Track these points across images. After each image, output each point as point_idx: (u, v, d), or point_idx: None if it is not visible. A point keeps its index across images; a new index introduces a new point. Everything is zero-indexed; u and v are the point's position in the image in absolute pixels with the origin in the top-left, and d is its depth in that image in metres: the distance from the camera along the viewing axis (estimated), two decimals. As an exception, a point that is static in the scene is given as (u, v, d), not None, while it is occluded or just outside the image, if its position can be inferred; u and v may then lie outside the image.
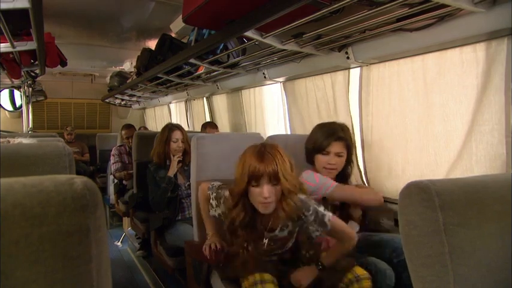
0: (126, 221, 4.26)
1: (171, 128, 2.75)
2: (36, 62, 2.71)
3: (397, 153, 2.05)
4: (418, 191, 0.88)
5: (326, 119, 2.51)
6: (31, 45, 2.10)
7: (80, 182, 0.61)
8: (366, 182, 2.29)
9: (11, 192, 0.56)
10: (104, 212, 0.65)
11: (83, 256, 0.57)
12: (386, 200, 2.14)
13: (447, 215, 0.84)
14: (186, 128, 3.46)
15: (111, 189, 4.46)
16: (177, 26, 2.95)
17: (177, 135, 2.72)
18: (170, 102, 5.45)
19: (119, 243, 4.25)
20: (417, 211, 0.87)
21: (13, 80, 3.71)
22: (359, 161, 2.31)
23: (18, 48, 2.12)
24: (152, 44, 3.55)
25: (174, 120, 5.46)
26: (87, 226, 0.60)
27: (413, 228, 0.87)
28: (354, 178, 2.36)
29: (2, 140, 1.95)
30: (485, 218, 0.84)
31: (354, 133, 2.30)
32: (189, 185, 2.59)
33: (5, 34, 1.84)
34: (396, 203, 2.07)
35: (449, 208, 0.85)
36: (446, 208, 0.85)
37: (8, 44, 2.03)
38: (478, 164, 1.62)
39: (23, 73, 3.27)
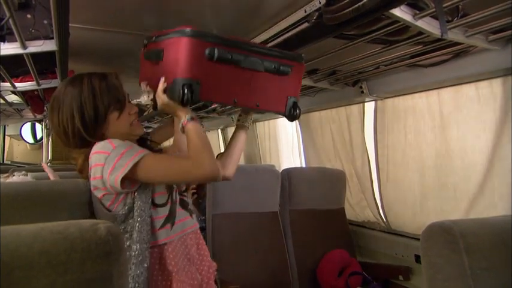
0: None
1: None
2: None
3: (415, 187, 2.01)
4: (441, 232, 0.84)
5: (341, 151, 2.50)
6: (55, 83, 2.19)
7: (104, 227, 0.62)
8: (383, 217, 2.23)
9: (38, 239, 0.57)
10: (126, 257, 0.66)
11: (106, 305, 0.57)
12: (406, 236, 2.09)
13: (473, 258, 0.81)
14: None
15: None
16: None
17: None
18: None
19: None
20: (441, 253, 0.83)
21: (35, 114, 3.85)
22: (376, 195, 2.27)
23: (43, 86, 2.21)
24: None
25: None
26: (110, 273, 0.60)
27: (438, 271, 0.84)
28: (371, 213, 2.31)
29: (17, 173, 1.99)
30: (514, 264, 0.80)
31: (370, 166, 2.27)
32: (204, 220, 2.57)
33: (32, 74, 1.93)
34: (415, 238, 2.02)
35: (475, 251, 0.82)
36: (472, 251, 0.82)
37: (34, 83, 2.12)
38: (502, 201, 1.58)
39: (45, 108, 3.38)
